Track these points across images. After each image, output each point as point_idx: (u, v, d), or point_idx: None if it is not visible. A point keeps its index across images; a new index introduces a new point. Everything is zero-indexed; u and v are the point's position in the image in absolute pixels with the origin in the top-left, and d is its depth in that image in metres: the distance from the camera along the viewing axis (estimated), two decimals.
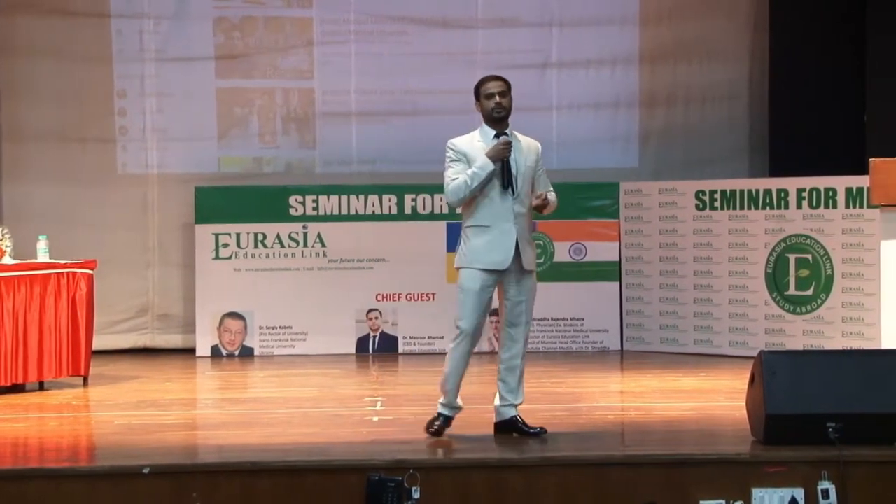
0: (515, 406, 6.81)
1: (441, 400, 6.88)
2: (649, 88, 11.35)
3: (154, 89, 11.16)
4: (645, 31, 11.35)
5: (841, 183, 9.70)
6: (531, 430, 6.74)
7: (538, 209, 6.68)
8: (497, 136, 6.70)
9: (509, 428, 6.79)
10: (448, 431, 6.96)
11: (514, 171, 6.66)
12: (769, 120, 11.18)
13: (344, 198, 10.84)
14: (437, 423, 6.83)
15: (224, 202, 10.78)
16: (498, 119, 6.71)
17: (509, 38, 11.27)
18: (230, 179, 11.12)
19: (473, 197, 6.68)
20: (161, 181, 11.15)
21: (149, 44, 11.12)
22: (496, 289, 6.75)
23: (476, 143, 6.73)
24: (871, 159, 7.69)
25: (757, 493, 6.08)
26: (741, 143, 11.40)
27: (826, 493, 6.03)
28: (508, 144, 6.63)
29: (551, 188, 6.86)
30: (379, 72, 11.27)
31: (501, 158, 6.63)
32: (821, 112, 10.80)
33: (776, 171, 10.86)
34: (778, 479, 6.10)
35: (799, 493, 6.07)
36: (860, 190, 9.46)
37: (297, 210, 10.81)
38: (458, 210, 6.91)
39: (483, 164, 6.62)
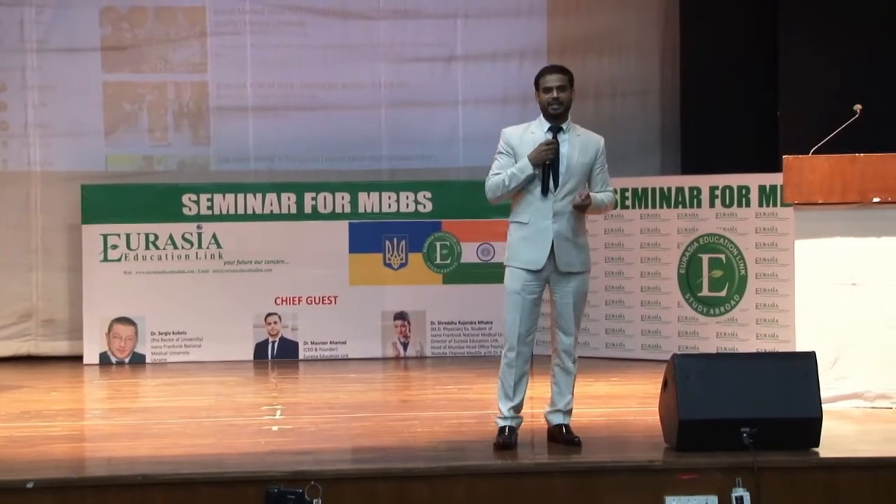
0: (565, 413, 6.76)
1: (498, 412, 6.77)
2: None
3: (36, 82, 11.00)
4: (553, 22, 11.42)
5: (754, 181, 9.84)
6: (570, 439, 6.69)
7: (578, 208, 6.58)
8: (552, 129, 6.63)
9: (552, 436, 6.76)
10: (354, 440, 6.93)
11: (561, 169, 6.58)
12: (681, 115, 11.31)
13: (240, 196, 10.77)
14: (498, 437, 6.67)
15: (113, 201, 10.66)
16: (554, 115, 6.63)
17: (412, 30, 11.29)
18: (118, 179, 11.00)
19: (519, 191, 6.64)
20: (45, 179, 10.99)
21: (30, 34, 10.96)
22: (545, 291, 6.70)
23: (529, 134, 6.65)
24: (784, 156, 7.83)
25: (670, 501, 6.14)
26: (652, 138, 11.53)
27: (740, 500, 6.10)
28: (550, 146, 6.56)
29: (610, 189, 6.76)
30: (276, 64, 11.22)
31: (543, 162, 6.56)
32: (733, 108, 10.95)
33: (688, 167, 11.00)
34: (691, 487, 6.17)
35: (713, 501, 6.14)
36: (773, 188, 9.61)
37: (190, 209, 10.72)
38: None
39: (523, 166, 6.57)
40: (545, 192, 6.59)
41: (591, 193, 6.62)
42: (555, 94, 6.61)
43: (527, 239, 6.64)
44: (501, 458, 6.46)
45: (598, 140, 6.77)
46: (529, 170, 6.57)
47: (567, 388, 6.77)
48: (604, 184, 6.76)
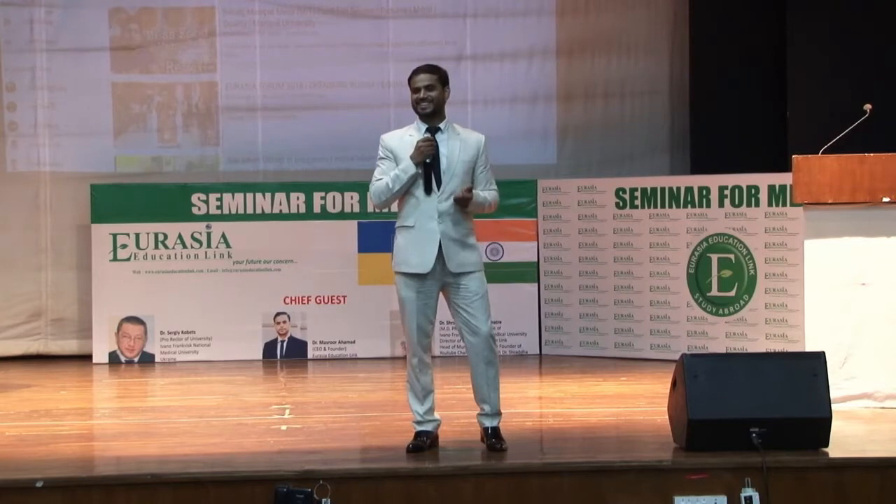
0: (489, 416, 6.68)
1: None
2: (567, 82, 11.43)
3: (46, 82, 11.01)
4: (562, 22, 11.41)
5: (763, 181, 9.82)
6: (494, 445, 6.60)
7: (459, 203, 6.50)
8: (429, 130, 6.59)
9: (482, 438, 6.69)
10: (363, 440, 6.95)
11: (442, 167, 6.54)
12: (690, 115, 11.31)
13: (249, 196, 10.78)
14: (412, 441, 6.63)
15: (122, 201, 10.67)
16: (423, 114, 6.59)
17: (421, 29, 11.29)
18: (127, 179, 11.00)
19: (402, 195, 6.61)
20: (54, 180, 11.01)
21: (40, 34, 10.98)
22: (440, 294, 6.64)
23: (407, 137, 6.61)
24: (793, 156, 7.82)
25: (679, 501, 6.14)
26: (662, 138, 11.52)
27: (749, 501, 6.10)
28: (428, 142, 6.51)
29: (494, 188, 6.70)
30: (285, 64, 11.23)
31: (424, 159, 6.52)
32: (743, 107, 10.95)
33: (698, 167, 10.99)
34: (700, 487, 6.16)
35: (722, 501, 6.14)
36: (783, 188, 9.59)
37: (199, 209, 10.73)
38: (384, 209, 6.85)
39: (405, 166, 6.52)
40: (428, 191, 6.54)
41: (474, 189, 6.55)
42: (422, 94, 6.56)
43: (413, 243, 6.59)
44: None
45: (479, 138, 6.69)
46: (412, 169, 6.51)
47: (486, 393, 6.66)
48: (487, 182, 6.69)
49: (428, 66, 6.68)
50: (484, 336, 6.61)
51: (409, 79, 6.64)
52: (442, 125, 6.62)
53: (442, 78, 6.63)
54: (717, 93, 11.03)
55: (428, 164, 6.54)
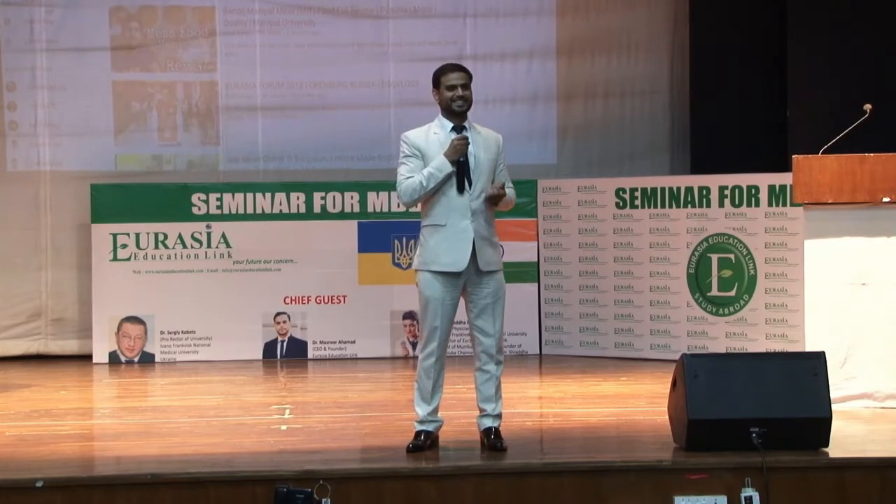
0: (491, 417, 6.68)
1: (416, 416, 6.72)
2: (567, 82, 11.43)
3: (46, 82, 11.01)
4: (563, 22, 11.42)
5: (763, 181, 9.83)
6: (495, 444, 6.59)
7: (492, 200, 6.55)
8: (455, 129, 6.60)
9: (482, 441, 6.67)
10: (363, 439, 6.94)
11: (472, 166, 6.56)
12: (690, 115, 11.32)
13: (249, 196, 10.78)
14: (413, 440, 6.61)
15: (122, 200, 10.67)
16: (458, 112, 6.61)
17: (421, 29, 11.30)
18: (128, 178, 11.01)
19: (433, 193, 6.59)
20: (54, 179, 11.01)
21: (40, 33, 10.98)
22: (461, 292, 6.63)
23: (432, 135, 6.62)
24: (794, 156, 7.82)
25: (679, 501, 6.14)
26: (662, 138, 11.52)
27: (749, 501, 6.10)
28: (464, 140, 6.54)
29: (511, 185, 6.77)
30: (285, 64, 11.24)
31: (459, 157, 6.53)
32: (743, 107, 10.96)
33: (697, 167, 11.00)
34: (700, 487, 6.17)
35: (722, 501, 6.14)
36: (783, 188, 9.60)
37: (200, 209, 10.73)
38: (416, 208, 6.78)
39: (440, 164, 6.51)
40: (461, 189, 6.54)
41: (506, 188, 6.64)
42: (459, 91, 6.59)
43: (446, 241, 6.56)
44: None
45: (497, 137, 6.76)
46: (448, 168, 6.52)
47: (492, 394, 6.66)
48: (506, 180, 6.75)
49: (458, 65, 6.73)
50: (493, 339, 6.63)
51: (439, 76, 6.65)
52: (466, 124, 6.66)
53: (471, 77, 6.68)
54: (717, 93, 11.04)
55: (460, 163, 6.55)
